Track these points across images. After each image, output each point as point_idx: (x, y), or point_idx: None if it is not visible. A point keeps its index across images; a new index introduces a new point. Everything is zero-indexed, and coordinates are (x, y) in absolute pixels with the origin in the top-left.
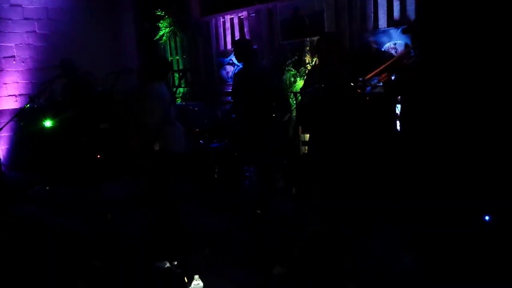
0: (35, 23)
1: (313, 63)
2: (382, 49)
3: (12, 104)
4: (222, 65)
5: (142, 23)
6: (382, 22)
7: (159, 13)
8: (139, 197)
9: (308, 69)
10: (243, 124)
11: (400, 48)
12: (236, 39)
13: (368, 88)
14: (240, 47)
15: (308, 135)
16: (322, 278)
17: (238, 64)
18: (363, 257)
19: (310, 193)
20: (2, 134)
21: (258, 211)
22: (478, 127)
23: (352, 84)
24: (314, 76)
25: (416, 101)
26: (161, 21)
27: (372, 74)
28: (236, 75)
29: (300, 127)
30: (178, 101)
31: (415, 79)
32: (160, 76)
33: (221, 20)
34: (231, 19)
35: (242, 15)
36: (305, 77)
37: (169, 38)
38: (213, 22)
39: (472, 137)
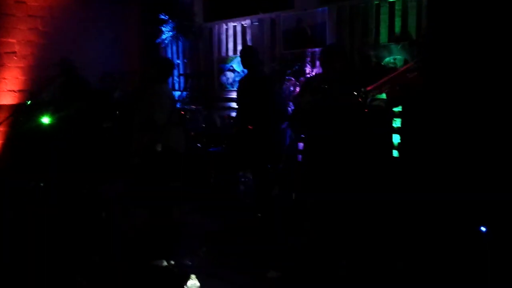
0: (39, 20)
1: (314, 73)
2: (382, 64)
3: (11, 99)
4: (222, 71)
5: (145, 26)
6: (383, 37)
7: (162, 17)
8: (135, 196)
9: (305, 79)
10: (246, 129)
11: (400, 64)
12: (240, 46)
13: (369, 100)
14: (247, 53)
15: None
16: (315, 283)
17: (239, 71)
18: (357, 262)
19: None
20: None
21: (259, 215)
22: (480, 140)
23: (355, 93)
24: (313, 86)
25: (418, 114)
26: (164, 25)
27: (374, 85)
28: (241, 81)
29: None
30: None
31: (418, 91)
32: (165, 77)
33: (224, 27)
34: (234, 27)
35: (245, 23)
36: (301, 87)
37: (171, 42)
38: (216, 28)
39: (474, 150)
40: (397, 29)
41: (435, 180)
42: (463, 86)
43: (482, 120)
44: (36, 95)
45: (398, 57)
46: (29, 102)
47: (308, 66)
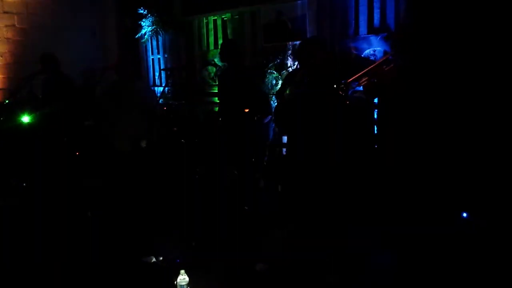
0: (15, 17)
1: (295, 66)
2: (362, 55)
3: None
4: (204, 66)
5: (124, 21)
6: (363, 29)
7: (141, 11)
8: (120, 193)
9: (287, 73)
10: (229, 123)
11: (379, 55)
12: (221, 40)
13: (349, 92)
14: (227, 47)
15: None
16: (303, 273)
17: (220, 65)
18: (344, 253)
19: (290, 193)
20: None
21: (246, 208)
22: (454, 131)
23: (334, 86)
24: (293, 79)
25: (393, 105)
26: (144, 20)
27: (353, 78)
28: (221, 76)
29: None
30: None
31: (393, 83)
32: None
33: (205, 21)
34: (214, 21)
35: (225, 17)
36: (283, 81)
37: (151, 37)
38: (196, 22)
39: (449, 139)
40: (376, 21)
41: (410, 169)
42: (436, 77)
43: (455, 112)
44: (15, 93)
45: (378, 48)
46: (7, 101)
47: (290, 59)
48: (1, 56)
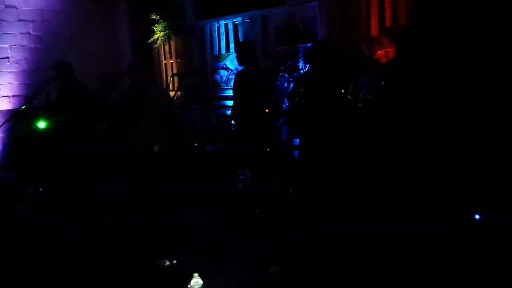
0: (30, 24)
1: (306, 68)
2: (374, 57)
3: (5, 105)
4: (216, 70)
5: (136, 27)
6: (374, 29)
7: (154, 17)
8: (135, 197)
9: (299, 75)
10: (242, 126)
11: (392, 56)
12: (232, 44)
13: (361, 94)
14: (244, 48)
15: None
16: (316, 276)
17: (232, 69)
18: (355, 257)
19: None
20: None
21: (258, 211)
22: (459, 134)
23: (342, 91)
24: (305, 81)
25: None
26: (156, 25)
27: (361, 81)
28: (238, 75)
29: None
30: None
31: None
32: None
33: (216, 25)
34: (226, 25)
35: (236, 21)
36: (294, 83)
37: (163, 42)
38: (208, 27)
39: (453, 143)
40: (388, 21)
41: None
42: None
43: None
44: (31, 99)
45: (390, 49)
46: (23, 107)
47: (301, 61)
48: (17, 63)
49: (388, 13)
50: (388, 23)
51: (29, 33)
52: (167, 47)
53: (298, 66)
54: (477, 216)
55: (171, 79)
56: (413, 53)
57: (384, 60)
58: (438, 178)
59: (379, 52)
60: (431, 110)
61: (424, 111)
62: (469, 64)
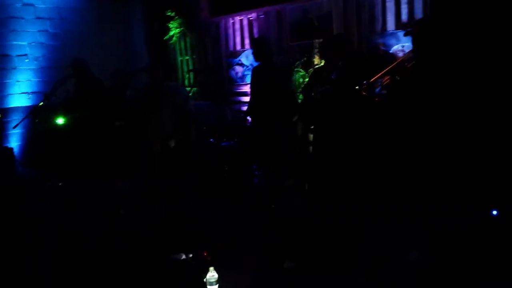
0: (48, 22)
1: (322, 64)
2: (390, 51)
3: (24, 101)
4: (231, 66)
5: (152, 24)
6: (390, 24)
7: (169, 13)
8: (151, 192)
9: (312, 71)
10: (259, 122)
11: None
12: (247, 40)
13: (377, 90)
14: (260, 44)
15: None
16: (331, 271)
17: (247, 65)
18: (370, 251)
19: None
20: (16, 131)
21: (273, 206)
22: (472, 129)
23: (357, 87)
24: (320, 76)
25: (412, 104)
26: (171, 22)
27: (376, 77)
28: (255, 70)
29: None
30: None
31: (412, 82)
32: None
33: (231, 21)
34: (241, 21)
35: (251, 17)
36: (309, 78)
37: (179, 39)
38: (223, 23)
39: (467, 137)
40: (404, 16)
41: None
42: (458, 77)
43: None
44: (50, 96)
45: (407, 44)
46: (41, 104)
47: (316, 57)
48: (36, 60)
49: (404, 8)
50: (404, 18)
51: (47, 30)
52: (182, 44)
53: (313, 62)
54: (494, 212)
55: (188, 76)
56: (429, 48)
57: (400, 55)
58: (455, 172)
59: (395, 47)
60: (447, 103)
61: (440, 104)
62: (485, 58)
